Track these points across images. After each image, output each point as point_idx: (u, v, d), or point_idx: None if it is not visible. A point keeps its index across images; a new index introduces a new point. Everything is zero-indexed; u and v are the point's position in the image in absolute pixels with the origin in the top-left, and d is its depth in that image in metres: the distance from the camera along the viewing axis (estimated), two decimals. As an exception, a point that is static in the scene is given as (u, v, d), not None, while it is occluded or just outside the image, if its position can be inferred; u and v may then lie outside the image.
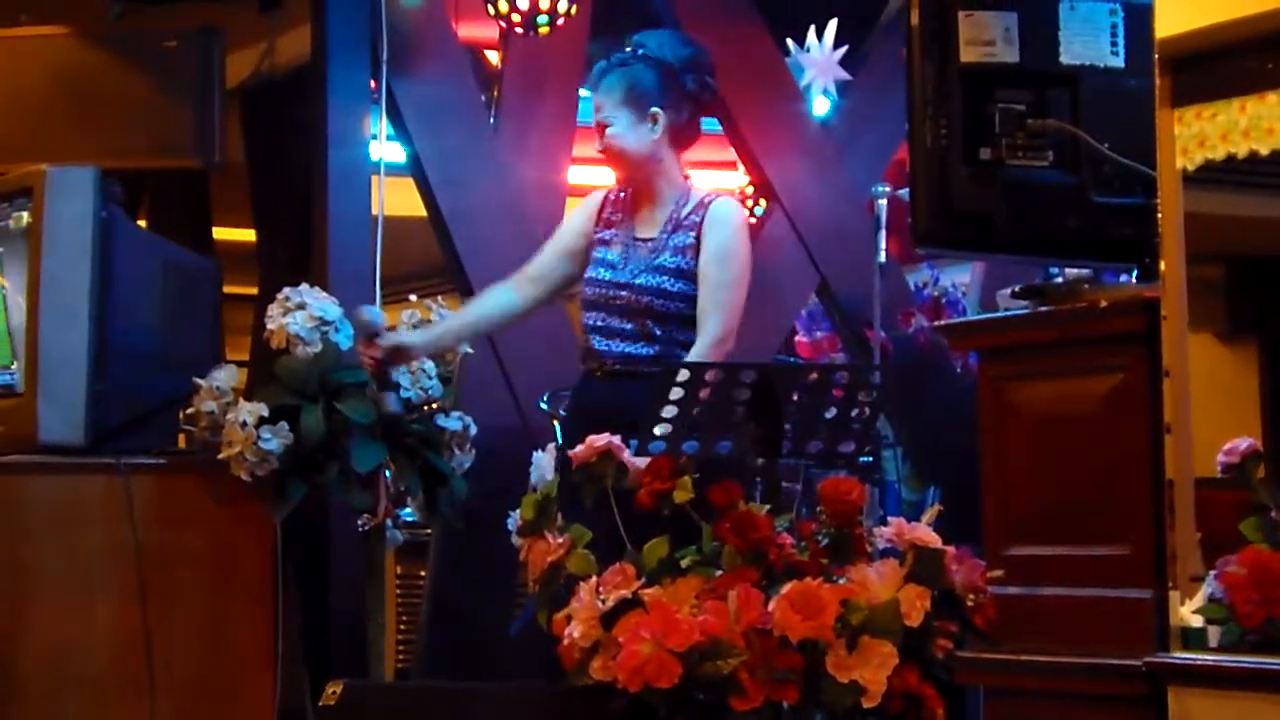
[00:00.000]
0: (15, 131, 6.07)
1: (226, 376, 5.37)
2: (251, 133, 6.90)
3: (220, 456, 5.21)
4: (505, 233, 6.25)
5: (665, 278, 4.83)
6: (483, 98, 6.62)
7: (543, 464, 5.11)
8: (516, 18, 6.13)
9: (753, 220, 7.74)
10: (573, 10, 6.18)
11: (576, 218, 5.06)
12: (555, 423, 5.96)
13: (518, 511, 4.28)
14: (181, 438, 5.50)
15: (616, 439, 3.89)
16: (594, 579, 3.70)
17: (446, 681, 4.37)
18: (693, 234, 4.84)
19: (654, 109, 4.87)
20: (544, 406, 6.20)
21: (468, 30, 6.67)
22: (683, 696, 3.50)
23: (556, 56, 6.53)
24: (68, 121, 6.04)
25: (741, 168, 7.76)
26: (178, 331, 5.50)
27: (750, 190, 8.11)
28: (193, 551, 5.36)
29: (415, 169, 6.35)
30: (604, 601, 3.63)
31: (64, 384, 5.25)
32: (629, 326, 4.83)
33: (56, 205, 5.30)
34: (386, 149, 6.15)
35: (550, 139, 6.58)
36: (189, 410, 5.35)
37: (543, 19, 6.13)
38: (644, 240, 4.90)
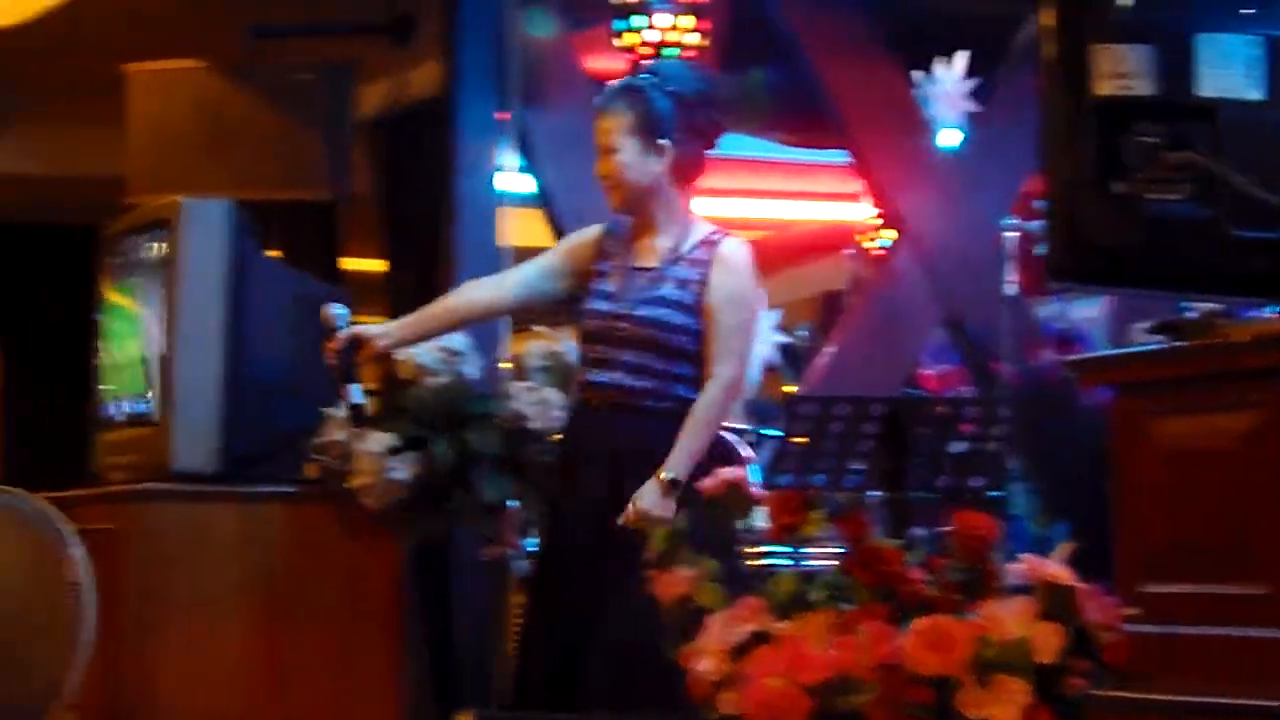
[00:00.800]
0: (154, 164, 6.17)
1: (356, 406, 5.40)
2: (381, 164, 6.96)
3: (349, 486, 5.25)
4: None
5: (667, 310, 4.72)
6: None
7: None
8: (646, 50, 6.14)
9: (880, 252, 7.74)
10: (703, 43, 6.18)
11: (573, 241, 4.98)
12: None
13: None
14: (310, 467, 5.54)
15: (742, 471, 3.88)
16: (723, 612, 3.69)
17: (578, 713, 4.36)
18: (698, 270, 4.73)
19: (662, 140, 4.75)
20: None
21: (596, 63, 6.70)
22: (812, 732, 3.49)
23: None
24: (204, 154, 6.13)
25: (867, 200, 7.76)
26: (307, 362, 5.54)
27: (878, 222, 8.10)
28: (321, 580, 5.40)
29: (543, 200, 6.38)
30: (734, 635, 3.62)
31: (197, 413, 5.31)
32: (629, 358, 4.72)
33: (191, 236, 5.37)
34: (514, 180, 6.18)
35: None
36: (318, 440, 5.39)
37: (672, 51, 6.15)
38: (643, 270, 4.79)
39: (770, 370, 7.06)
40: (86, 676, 4.60)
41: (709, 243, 4.77)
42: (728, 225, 9.44)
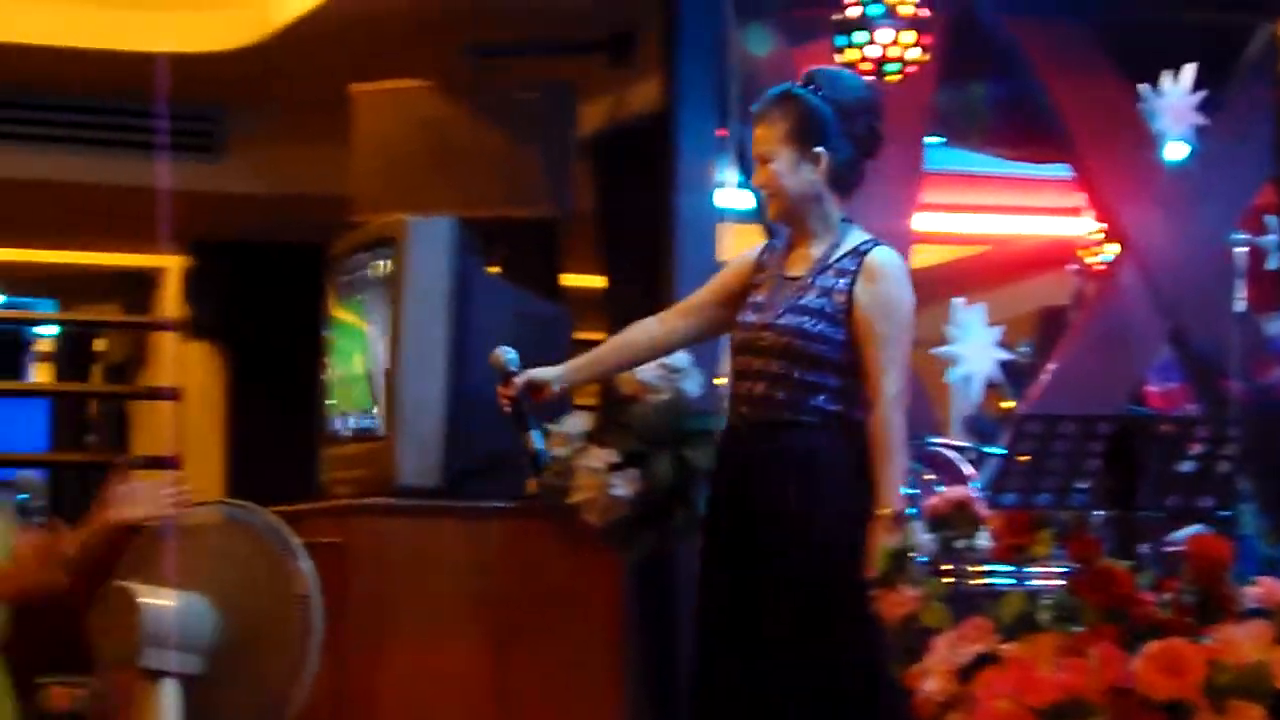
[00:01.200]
0: (379, 182, 6.26)
1: (577, 422, 5.43)
2: (602, 181, 7.00)
3: (570, 502, 5.28)
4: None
5: (807, 318, 4.62)
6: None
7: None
8: (866, 66, 6.09)
9: (1102, 267, 7.63)
10: (924, 58, 6.13)
11: (731, 266, 4.92)
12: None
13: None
14: (531, 482, 5.58)
15: (970, 490, 3.85)
16: (950, 633, 3.66)
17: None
18: (844, 280, 4.64)
19: (818, 149, 4.66)
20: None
21: (814, 78, 6.67)
22: (1042, 755, 3.44)
23: (904, 104, 6.47)
24: (428, 172, 6.21)
25: (1089, 214, 7.65)
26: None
27: (1101, 237, 7.98)
28: (542, 595, 5.44)
29: (763, 217, 6.37)
30: (961, 655, 3.58)
31: (422, 429, 5.38)
32: (770, 368, 4.64)
33: (416, 254, 5.44)
34: (735, 196, 6.18)
35: (897, 187, 6.54)
36: (540, 455, 5.42)
37: (893, 66, 6.09)
38: (792, 279, 4.71)
39: (991, 387, 6.98)
40: (312, 689, 4.66)
41: (859, 252, 4.68)
42: (948, 240, 9.41)
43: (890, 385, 4.55)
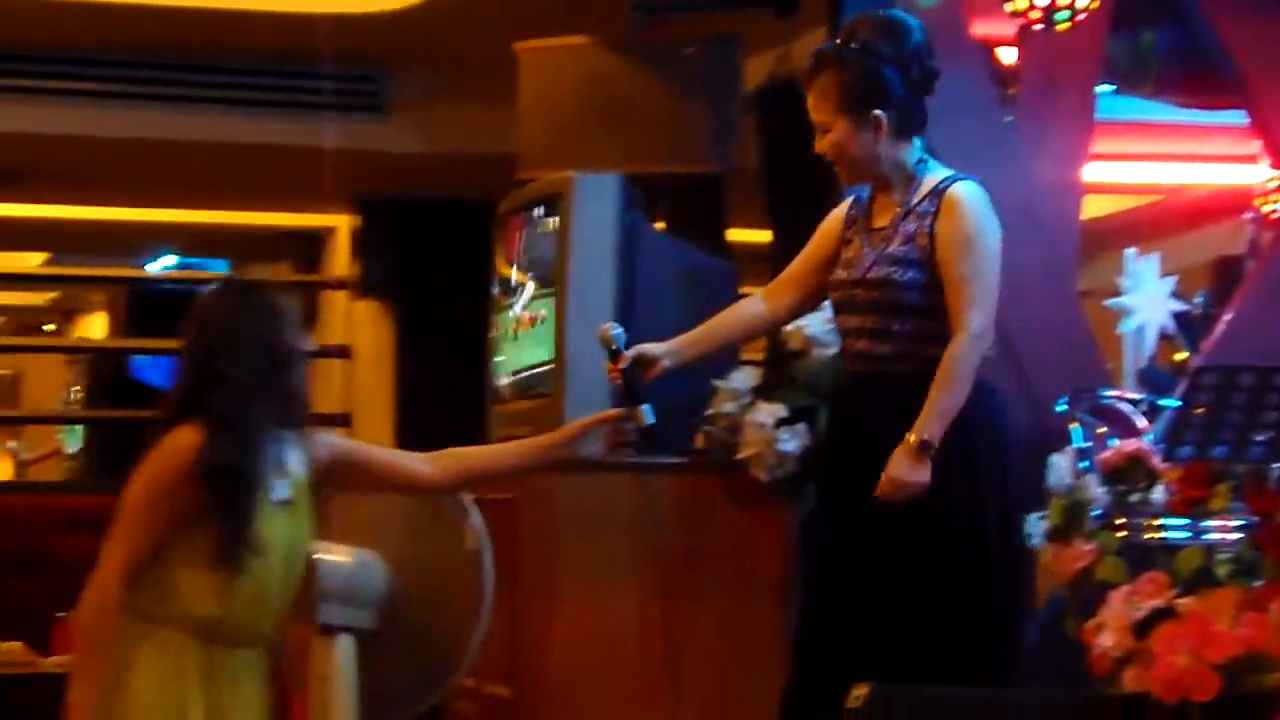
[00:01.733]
0: (545, 139, 6.28)
1: (744, 378, 5.42)
2: (767, 136, 6.96)
3: (738, 457, 5.27)
4: (1020, 232, 6.13)
5: (894, 268, 4.56)
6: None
7: (1060, 467, 5.00)
8: (1036, 14, 6.00)
9: (1278, 214, 7.50)
10: (1094, 5, 6.03)
11: (827, 223, 4.86)
12: (1073, 425, 5.84)
13: (1035, 515, 4.22)
14: (698, 437, 5.58)
15: (1145, 443, 3.80)
16: (1126, 587, 3.62)
17: (977, 688, 4.30)
18: (925, 222, 4.56)
19: (875, 112, 4.58)
20: (1062, 409, 6.07)
21: (982, 28, 6.59)
22: (1222, 711, 3.39)
23: (1074, 52, 6.39)
24: (593, 128, 6.21)
25: (1262, 160, 7.51)
26: (696, 333, 5.57)
27: (1276, 184, 7.83)
28: (712, 551, 5.44)
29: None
30: (1137, 610, 3.54)
31: (589, 385, 5.37)
32: (869, 324, 4.61)
33: (583, 211, 5.45)
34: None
35: (1067, 137, 6.44)
36: (708, 411, 5.42)
37: (1063, 15, 5.99)
38: (877, 230, 4.66)
39: (1165, 338, 6.88)
40: (485, 644, 4.70)
41: (937, 191, 4.61)
42: (1120, 190, 9.26)
43: (973, 321, 4.48)
